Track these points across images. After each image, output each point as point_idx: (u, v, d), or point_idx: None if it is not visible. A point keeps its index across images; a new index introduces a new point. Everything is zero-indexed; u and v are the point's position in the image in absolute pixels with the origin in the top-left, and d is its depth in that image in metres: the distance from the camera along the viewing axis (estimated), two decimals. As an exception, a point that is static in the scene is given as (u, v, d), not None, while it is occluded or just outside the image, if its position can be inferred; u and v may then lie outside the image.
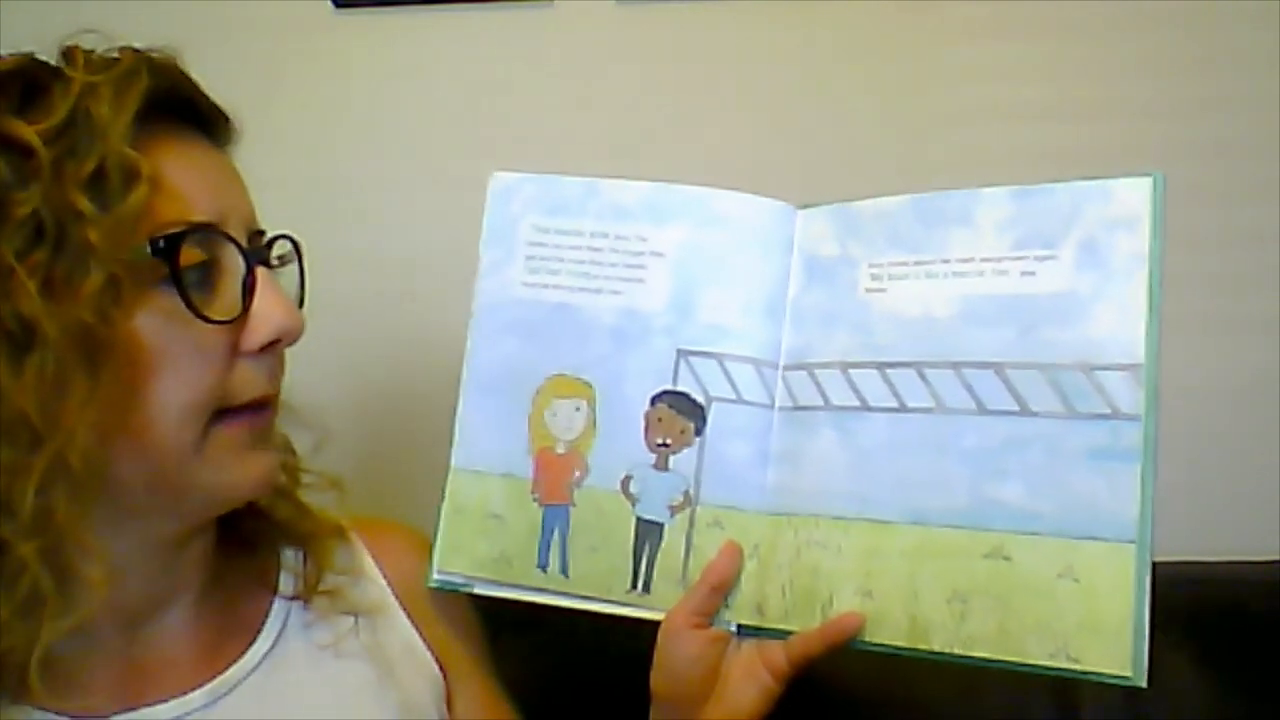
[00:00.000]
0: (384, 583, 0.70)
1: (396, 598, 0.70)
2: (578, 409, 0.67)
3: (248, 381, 0.57)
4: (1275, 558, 0.84)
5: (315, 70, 1.02)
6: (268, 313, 0.57)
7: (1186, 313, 0.92)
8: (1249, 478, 0.93)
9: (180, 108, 0.58)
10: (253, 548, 0.66)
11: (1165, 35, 0.97)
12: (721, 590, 0.63)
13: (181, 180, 0.56)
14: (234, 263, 0.57)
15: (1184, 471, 0.93)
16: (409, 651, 0.68)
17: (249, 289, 0.57)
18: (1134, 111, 0.97)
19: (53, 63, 0.55)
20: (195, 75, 0.59)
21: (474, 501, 0.68)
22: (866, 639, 0.59)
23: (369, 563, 0.71)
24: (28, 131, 0.51)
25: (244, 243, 0.58)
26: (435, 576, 0.69)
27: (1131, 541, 0.53)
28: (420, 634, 0.69)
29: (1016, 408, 0.58)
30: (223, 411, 0.57)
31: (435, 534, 0.69)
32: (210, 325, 0.55)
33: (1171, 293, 0.94)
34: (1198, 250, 0.93)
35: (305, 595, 0.65)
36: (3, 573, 0.52)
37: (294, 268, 0.63)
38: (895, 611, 0.58)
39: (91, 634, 0.58)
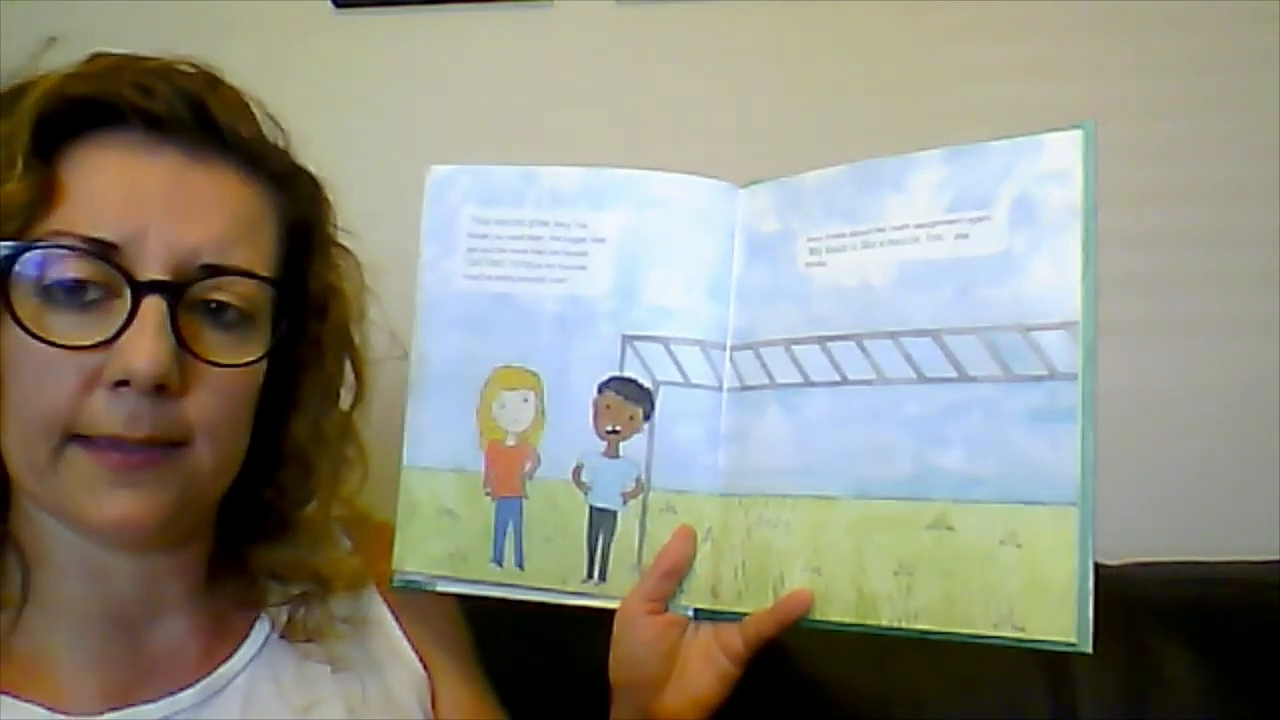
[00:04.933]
0: (377, 593, 0.69)
1: (385, 601, 0.70)
2: (525, 400, 0.67)
3: (97, 414, 0.53)
4: (1275, 558, 0.82)
5: (315, 70, 1.03)
6: (123, 353, 0.53)
7: (1187, 313, 0.94)
8: (1249, 478, 0.92)
9: (140, 115, 0.55)
10: (247, 572, 0.65)
11: (1165, 35, 0.96)
12: (675, 575, 0.62)
13: (95, 193, 0.54)
14: (124, 291, 0.53)
15: (1184, 471, 0.93)
16: (394, 654, 0.68)
17: (127, 322, 0.53)
18: (1134, 111, 0.96)
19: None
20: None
21: (426, 499, 0.68)
22: (816, 617, 0.58)
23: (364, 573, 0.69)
24: None
25: (160, 271, 0.54)
26: (397, 577, 0.69)
27: (1073, 504, 0.52)
28: (406, 636, 0.69)
29: (955, 374, 0.56)
30: (81, 437, 0.54)
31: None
32: (50, 349, 0.52)
33: (1171, 293, 0.94)
34: (1197, 250, 0.92)
35: (288, 635, 0.64)
36: None
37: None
38: (843, 587, 0.57)
39: (80, 634, 0.58)
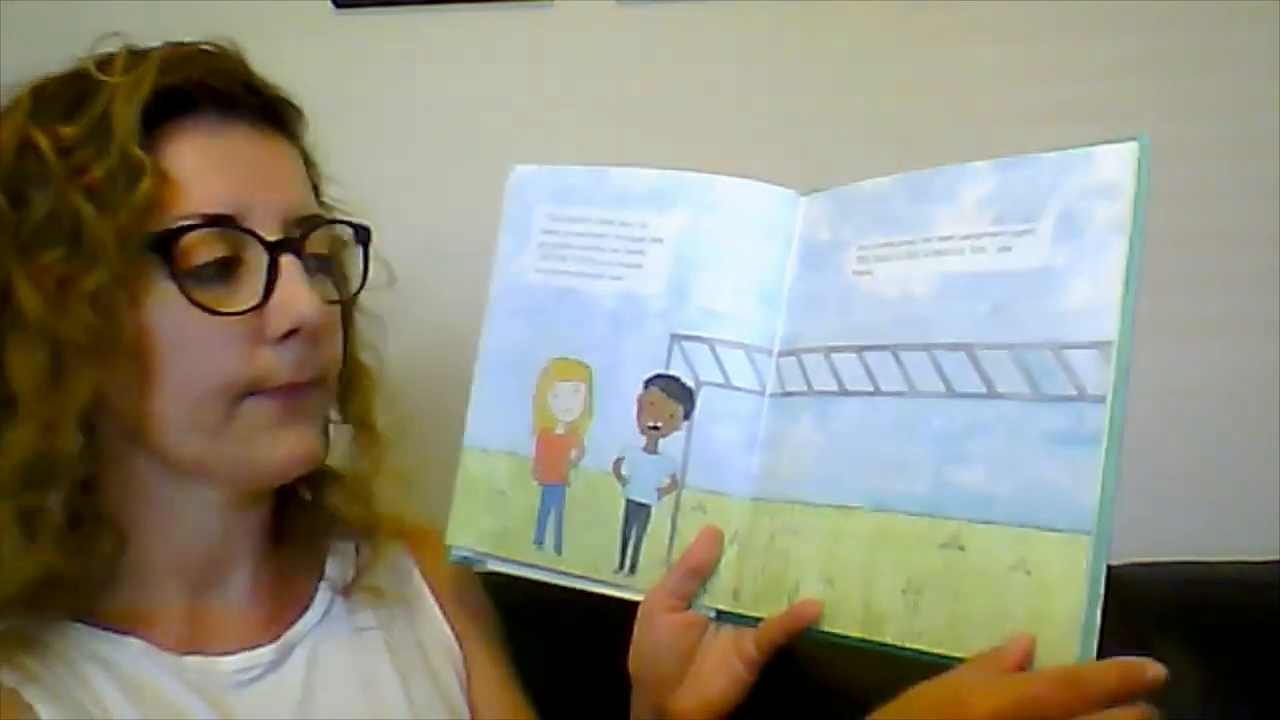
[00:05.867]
0: (419, 576, 0.74)
1: (430, 590, 0.74)
2: (576, 391, 0.69)
3: (271, 369, 0.59)
4: (1275, 558, 0.81)
5: (315, 70, 1.00)
6: (286, 303, 0.58)
7: (1186, 313, 0.92)
8: (1249, 478, 0.90)
9: (213, 98, 0.59)
10: (306, 532, 0.70)
11: (1165, 35, 0.94)
12: (698, 574, 0.63)
13: (200, 174, 0.57)
14: (257, 253, 0.58)
15: (1184, 471, 0.91)
16: (435, 633, 0.72)
17: (271, 279, 0.58)
18: (1134, 111, 0.94)
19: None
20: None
21: (481, 478, 0.71)
22: (824, 628, 0.57)
23: (407, 558, 0.75)
24: (43, 138, 0.55)
25: (275, 232, 0.59)
26: (452, 552, 0.72)
27: (1087, 533, 0.49)
28: (445, 617, 0.73)
29: (984, 389, 0.54)
30: (252, 391, 0.59)
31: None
32: (225, 317, 0.57)
33: (1172, 293, 0.91)
34: (1197, 250, 0.91)
35: (347, 591, 0.69)
36: (80, 538, 0.57)
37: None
38: (852, 599, 0.56)
39: (164, 591, 0.62)
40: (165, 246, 0.56)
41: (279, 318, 0.58)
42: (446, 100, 1.05)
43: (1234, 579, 0.78)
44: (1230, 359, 0.91)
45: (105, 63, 0.58)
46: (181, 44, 0.60)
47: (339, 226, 0.65)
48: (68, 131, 0.56)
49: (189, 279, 0.57)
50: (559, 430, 0.69)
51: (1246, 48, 0.93)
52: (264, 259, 0.58)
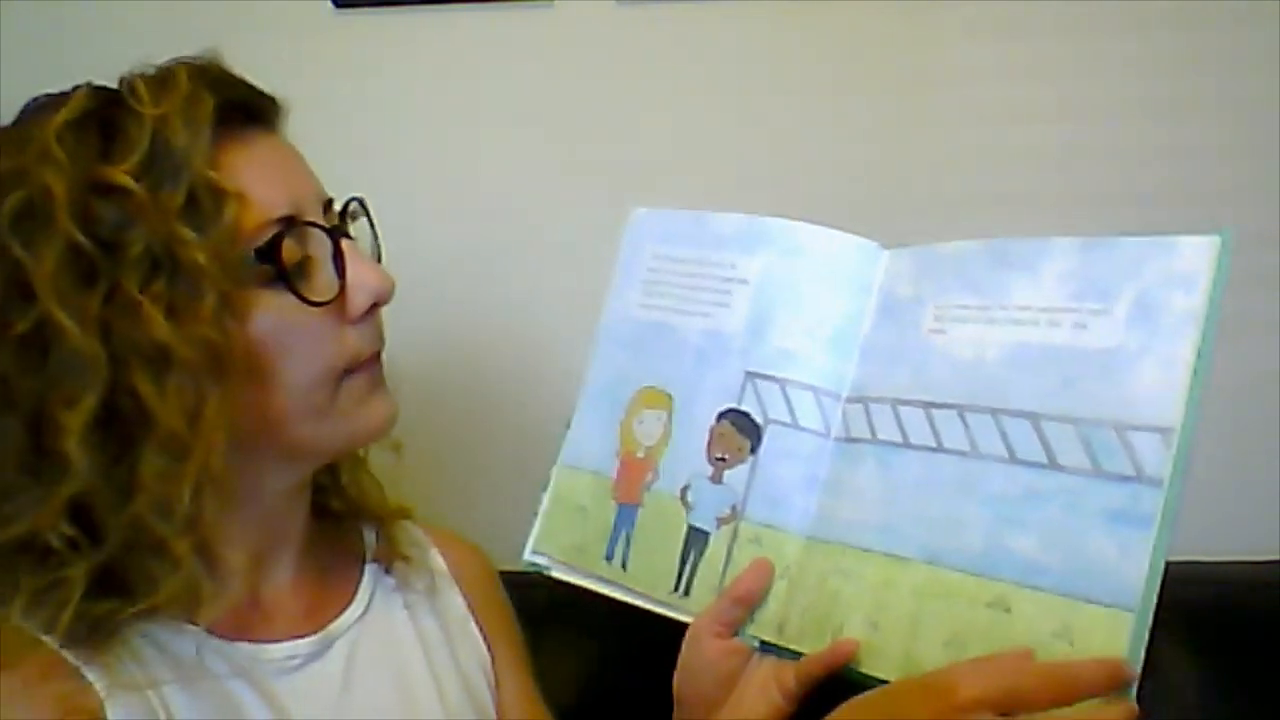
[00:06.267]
0: (452, 583, 0.78)
1: (463, 596, 0.78)
2: (659, 419, 0.73)
3: (359, 346, 0.63)
4: (1275, 558, 0.82)
5: (315, 70, 1.01)
6: (362, 282, 0.62)
7: None
8: (1249, 478, 0.90)
9: (244, 110, 0.61)
10: (338, 520, 0.75)
11: (1165, 35, 0.94)
12: (745, 603, 0.65)
13: (256, 183, 0.59)
14: (319, 243, 0.61)
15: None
16: (466, 636, 0.76)
17: (339, 264, 0.62)
18: (1134, 111, 0.94)
19: (113, 89, 0.59)
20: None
21: (568, 494, 0.76)
22: (863, 669, 0.59)
23: (436, 556, 0.79)
24: (121, 176, 0.55)
25: (323, 220, 0.62)
26: (527, 556, 0.76)
27: (1131, 610, 0.50)
28: (479, 627, 0.77)
29: (1045, 460, 0.56)
30: (348, 370, 0.63)
31: (535, 518, 0.77)
32: (319, 307, 0.60)
33: None
34: None
35: (388, 561, 0.74)
36: (161, 566, 0.57)
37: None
38: (895, 646, 0.58)
39: (222, 576, 0.62)
40: (269, 257, 0.59)
41: (361, 296, 0.62)
42: (446, 100, 1.06)
43: (1234, 579, 0.79)
44: (1230, 359, 0.91)
45: (130, 93, 0.59)
46: (188, 61, 0.61)
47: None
48: (132, 165, 0.56)
49: (295, 281, 0.60)
50: (639, 454, 0.73)
51: (1246, 48, 0.93)
52: (327, 247, 0.62)
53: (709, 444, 0.70)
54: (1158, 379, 0.53)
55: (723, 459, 0.69)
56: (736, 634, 0.66)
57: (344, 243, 0.63)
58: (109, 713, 0.55)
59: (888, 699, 0.54)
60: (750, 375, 0.69)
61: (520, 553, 0.77)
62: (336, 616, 0.69)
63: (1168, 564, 0.50)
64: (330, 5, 1.05)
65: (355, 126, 1.02)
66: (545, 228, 1.07)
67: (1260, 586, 0.80)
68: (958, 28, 0.99)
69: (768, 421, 0.68)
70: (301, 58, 0.97)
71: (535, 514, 0.77)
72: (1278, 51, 0.92)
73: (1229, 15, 0.93)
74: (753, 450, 0.68)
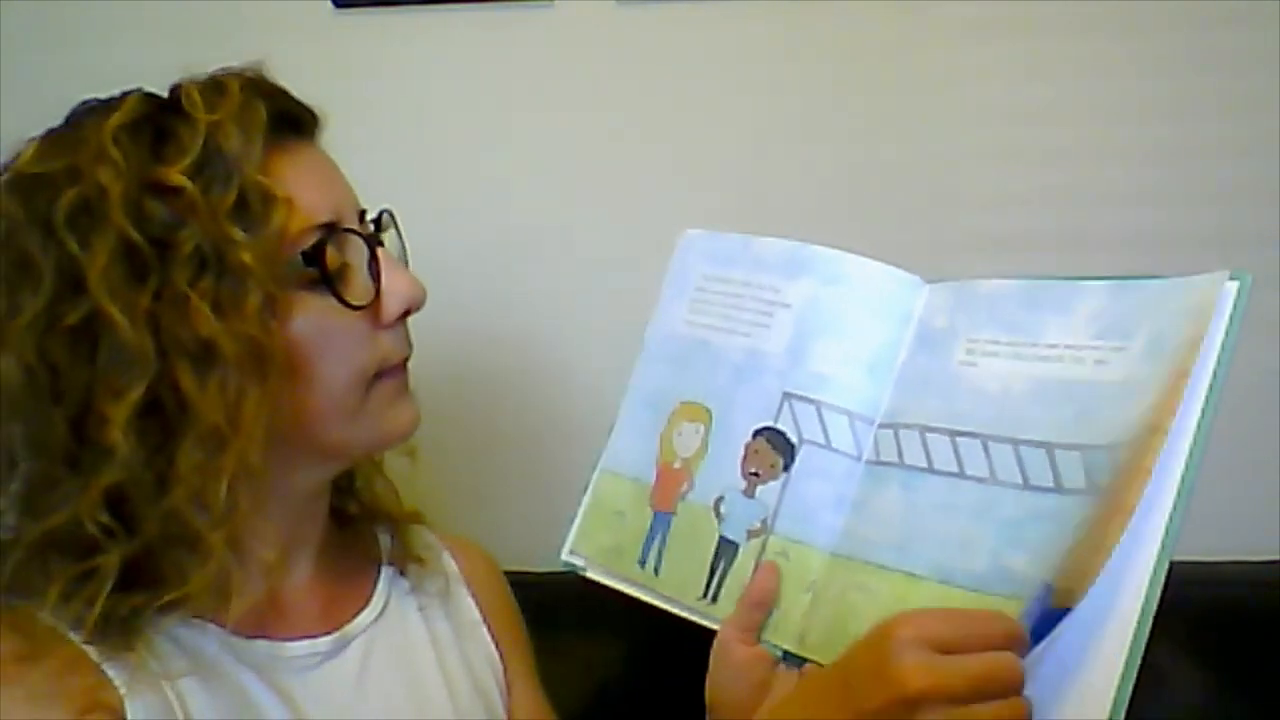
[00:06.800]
0: (464, 587, 0.82)
1: (475, 602, 0.81)
2: (697, 431, 0.76)
3: (391, 350, 0.66)
4: (1275, 558, 0.82)
5: (315, 70, 0.98)
6: (397, 289, 0.65)
7: None
8: (1249, 478, 0.90)
9: (287, 119, 0.64)
10: (354, 523, 0.78)
11: (1165, 35, 0.94)
12: (761, 606, 0.67)
13: (302, 190, 0.62)
14: (356, 250, 0.64)
15: None
16: (478, 641, 0.80)
17: (375, 271, 0.64)
18: (1134, 111, 0.94)
19: (163, 96, 0.62)
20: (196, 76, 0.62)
21: (608, 499, 0.80)
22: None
23: (449, 559, 0.83)
24: (176, 176, 0.58)
25: (360, 227, 0.64)
26: (563, 557, 0.80)
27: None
28: (490, 633, 0.81)
29: (1053, 484, 0.58)
30: (379, 374, 0.66)
31: (573, 518, 0.81)
32: (356, 311, 0.62)
33: None
34: (1197, 250, 0.90)
35: (402, 564, 0.77)
36: (193, 558, 0.59)
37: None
38: (903, 658, 0.60)
39: (244, 575, 0.63)
40: (314, 260, 0.62)
41: (395, 302, 0.65)
42: (446, 100, 1.07)
43: (1234, 579, 0.79)
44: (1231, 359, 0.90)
45: (184, 98, 0.62)
46: (236, 72, 0.64)
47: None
48: (185, 166, 0.59)
49: (336, 284, 0.63)
50: (676, 464, 0.76)
51: (1246, 48, 0.93)
52: (364, 254, 0.64)
53: (744, 459, 0.73)
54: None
55: (756, 474, 0.72)
56: (760, 642, 0.68)
57: (380, 250, 0.66)
58: (129, 710, 0.57)
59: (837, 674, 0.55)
60: (788, 396, 0.72)
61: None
62: (353, 617, 0.72)
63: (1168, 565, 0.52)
64: (330, 5, 1.05)
65: (355, 126, 1.07)
66: (545, 228, 1.08)
67: (1260, 586, 0.80)
68: (958, 28, 1.00)
69: (802, 441, 0.71)
70: (301, 58, 0.96)
71: (572, 516, 0.80)
72: (1278, 51, 0.92)
73: (1229, 15, 0.94)
74: (785, 468, 0.71)
